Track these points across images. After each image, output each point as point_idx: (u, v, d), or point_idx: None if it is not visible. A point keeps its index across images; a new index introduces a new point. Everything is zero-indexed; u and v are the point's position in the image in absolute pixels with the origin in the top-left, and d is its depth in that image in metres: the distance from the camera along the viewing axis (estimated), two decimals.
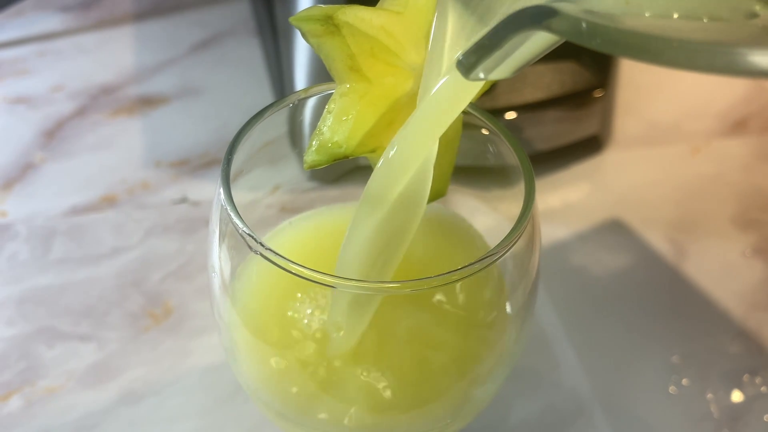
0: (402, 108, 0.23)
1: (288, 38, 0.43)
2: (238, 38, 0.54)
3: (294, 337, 0.24)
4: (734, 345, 0.39)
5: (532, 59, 0.19)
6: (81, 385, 0.36)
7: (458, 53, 0.20)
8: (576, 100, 0.45)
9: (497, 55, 0.19)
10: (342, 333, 0.24)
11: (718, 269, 0.42)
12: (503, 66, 0.20)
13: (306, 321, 0.24)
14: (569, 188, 0.46)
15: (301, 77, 0.43)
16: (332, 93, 0.23)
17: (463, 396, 0.26)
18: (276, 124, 0.27)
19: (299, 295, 0.25)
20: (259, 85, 0.51)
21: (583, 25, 0.16)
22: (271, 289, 0.25)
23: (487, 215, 0.30)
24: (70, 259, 0.41)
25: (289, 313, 0.24)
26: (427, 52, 0.22)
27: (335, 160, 0.23)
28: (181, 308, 0.39)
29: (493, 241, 0.28)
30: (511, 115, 0.44)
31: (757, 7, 0.17)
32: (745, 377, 0.38)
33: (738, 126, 0.50)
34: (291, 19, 0.21)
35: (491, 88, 0.25)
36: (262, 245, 0.22)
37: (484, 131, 0.27)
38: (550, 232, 0.43)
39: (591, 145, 0.48)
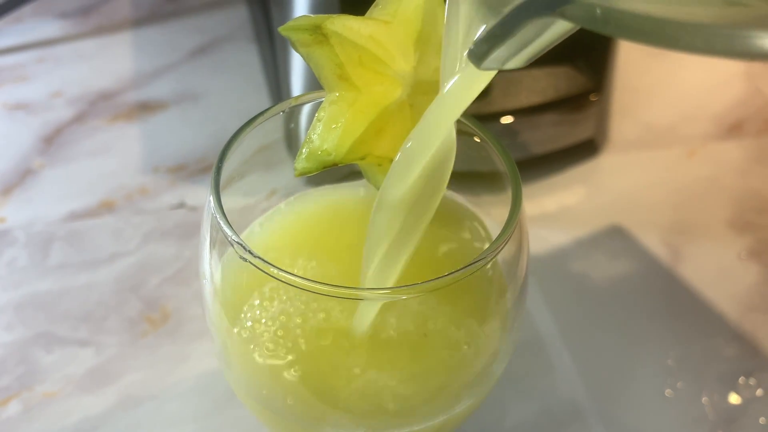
0: (391, 116, 0.23)
1: (285, 44, 0.44)
2: (235, 44, 0.54)
3: (286, 342, 0.25)
4: (730, 347, 0.39)
5: (545, 48, 0.19)
6: (79, 389, 0.36)
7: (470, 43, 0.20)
8: (572, 103, 0.46)
9: (510, 44, 0.19)
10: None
11: (714, 272, 0.42)
12: (516, 55, 0.19)
13: (294, 326, 0.25)
14: (565, 192, 0.46)
15: (297, 83, 0.43)
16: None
17: (455, 397, 0.26)
18: (271, 129, 0.27)
19: (287, 299, 0.25)
20: (257, 90, 0.51)
21: (598, 11, 0.16)
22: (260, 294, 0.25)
23: None
24: (68, 265, 0.41)
25: (282, 318, 0.25)
26: (442, 46, 0.21)
27: (325, 167, 0.23)
28: (179, 313, 0.39)
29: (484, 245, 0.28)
30: (507, 119, 0.44)
31: None
32: (741, 380, 0.38)
33: (734, 129, 0.50)
34: (280, 29, 0.22)
35: (487, 92, 0.26)
36: (251, 253, 0.22)
37: (475, 138, 0.27)
38: (546, 235, 0.43)
39: (587, 149, 0.48)
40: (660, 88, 0.53)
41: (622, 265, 0.43)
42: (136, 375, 0.36)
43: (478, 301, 0.25)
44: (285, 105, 0.26)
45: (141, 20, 0.56)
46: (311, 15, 0.22)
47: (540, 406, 0.36)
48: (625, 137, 0.49)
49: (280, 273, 0.21)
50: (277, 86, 0.47)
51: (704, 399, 0.37)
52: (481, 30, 0.20)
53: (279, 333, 0.24)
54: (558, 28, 0.18)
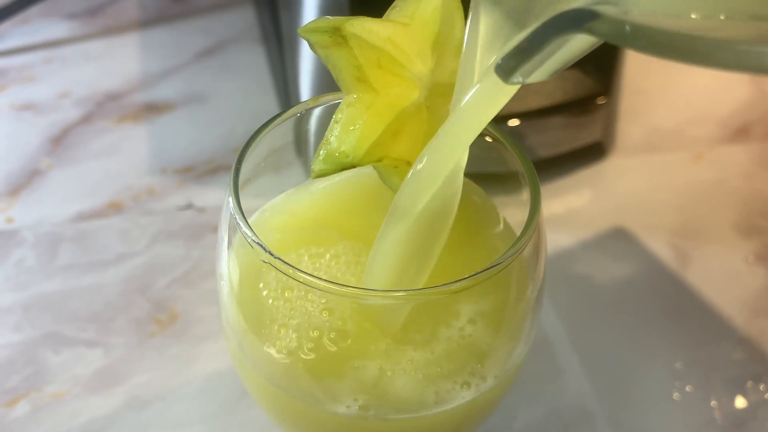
0: (408, 118, 0.23)
1: (293, 46, 0.44)
2: (243, 46, 0.54)
3: (307, 342, 0.25)
4: (738, 351, 0.39)
5: (570, 61, 0.19)
6: (87, 390, 0.36)
7: (494, 58, 0.20)
8: (579, 106, 0.46)
9: (536, 58, 0.19)
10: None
11: (721, 276, 0.42)
12: (541, 69, 0.19)
13: (313, 325, 0.25)
14: (572, 195, 0.46)
15: (305, 84, 0.43)
16: (338, 103, 0.23)
17: (471, 400, 0.26)
18: (282, 132, 0.28)
19: (306, 299, 0.25)
20: (264, 92, 0.51)
21: (627, 27, 0.16)
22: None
23: None
24: (76, 266, 0.41)
25: (302, 317, 0.25)
26: (460, 60, 0.21)
27: (342, 169, 0.23)
28: (187, 314, 0.39)
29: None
30: (514, 122, 0.44)
31: None
32: (749, 383, 0.38)
33: (741, 132, 0.50)
34: (299, 31, 0.22)
35: None
36: (272, 254, 0.22)
37: (488, 138, 0.27)
38: (553, 238, 0.43)
39: (594, 152, 0.48)
40: (667, 92, 0.53)
41: (629, 268, 0.43)
42: (144, 376, 0.36)
43: (496, 304, 0.25)
44: (301, 107, 0.26)
45: (148, 21, 0.56)
46: (330, 17, 0.22)
47: (548, 409, 0.36)
48: (632, 140, 0.49)
49: (301, 274, 0.21)
50: (285, 88, 0.47)
51: (713, 403, 0.37)
52: (507, 45, 0.20)
53: (297, 333, 0.24)
54: (584, 43, 0.18)
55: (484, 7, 0.20)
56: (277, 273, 0.22)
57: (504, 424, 0.36)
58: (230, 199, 0.24)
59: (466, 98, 0.21)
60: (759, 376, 0.38)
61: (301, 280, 0.22)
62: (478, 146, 0.27)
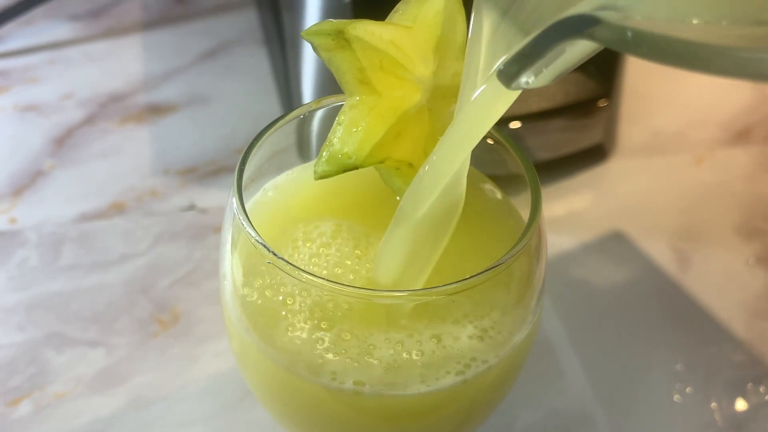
0: (410, 120, 0.23)
1: (295, 48, 0.44)
2: (245, 47, 0.55)
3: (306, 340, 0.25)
4: (738, 353, 0.39)
5: (572, 67, 0.19)
6: (90, 390, 0.36)
7: (496, 64, 0.20)
8: (580, 109, 0.46)
9: (539, 64, 0.19)
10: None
11: (722, 278, 0.42)
12: (543, 74, 0.19)
13: (317, 326, 0.25)
14: (573, 197, 0.46)
15: (308, 86, 0.44)
16: (341, 105, 0.23)
17: (471, 402, 0.26)
18: (285, 134, 0.28)
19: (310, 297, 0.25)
20: (267, 93, 0.51)
21: (629, 33, 0.16)
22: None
23: None
24: (79, 266, 0.41)
25: (306, 317, 0.25)
26: (464, 65, 0.22)
27: (345, 170, 0.23)
28: (189, 314, 0.39)
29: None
30: (515, 125, 0.44)
31: None
32: (749, 386, 0.38)
33: (742, 135, 0.51)
34: (303, 34, 0.22)
35: None
36: (275, 254, 0.22)
37: (490, 141, 0.27)
38: (554, 240, 0.43)
39: (595, 155, 0.48)
40: (668, 95, 0.53)
41: (630, 270, 0.43)
42: (146, 376, 0.37)
43: (497, 304, 0.25)
44: (304, 109, 0.27)
45: (151, 23, 0.56)
46: (333, 20, 0.22)
47: (549, 411, 0.36)
48: (633, 143, 0.50)
49: (305, 275, 0.22)
50: (287, 90, 0.47)
51: (713, 405, 0.37)
52: (509, 50, 0.20)
53: (301, 331, 0.24)
54: (586, 48, 0.18)
55: (486, 12, 0.21)
56: (280, 272, 0.22)
57: (505, 425, 0.36)
58: (234, 199, 0.24)
59: (469, 104, 0.21)
60: (759, 378, 0.38)
61: (304, 280, 0.22)
62: (479, 148, 0.27)
